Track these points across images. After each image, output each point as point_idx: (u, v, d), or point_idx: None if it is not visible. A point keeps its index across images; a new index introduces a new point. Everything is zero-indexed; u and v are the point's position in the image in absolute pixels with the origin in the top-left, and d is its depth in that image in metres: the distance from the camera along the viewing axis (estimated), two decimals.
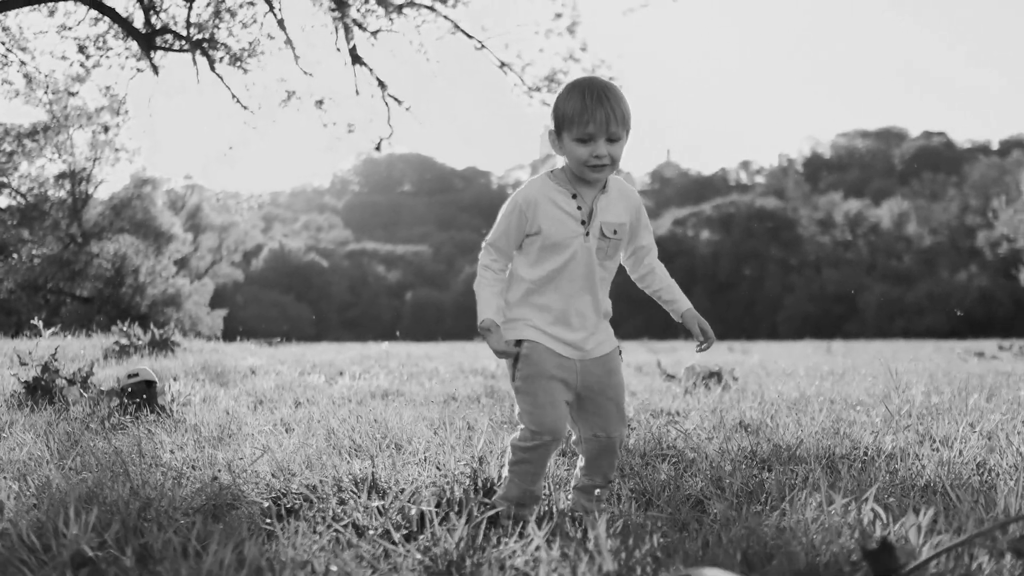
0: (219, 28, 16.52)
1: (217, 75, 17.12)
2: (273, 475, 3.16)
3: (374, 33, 16.40)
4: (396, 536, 2.32)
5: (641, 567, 1.95)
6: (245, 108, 17.37)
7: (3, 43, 17.42)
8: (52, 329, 8.76)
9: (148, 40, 16.73)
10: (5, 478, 3.07)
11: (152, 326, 11.78)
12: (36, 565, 2.09)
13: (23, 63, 18.32)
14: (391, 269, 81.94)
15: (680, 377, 7.17)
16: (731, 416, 4.66)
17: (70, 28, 17.04)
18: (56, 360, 6.17)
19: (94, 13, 16.70)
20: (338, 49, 16.69)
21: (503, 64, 16.57)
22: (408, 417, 4.82)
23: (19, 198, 33.56)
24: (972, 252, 65.79)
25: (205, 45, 16.63)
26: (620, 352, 3.01)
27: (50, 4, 16.46)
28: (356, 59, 16.92)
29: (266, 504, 2.80)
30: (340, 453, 3.49)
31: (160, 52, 17.13)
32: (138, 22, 16.63)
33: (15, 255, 32.50)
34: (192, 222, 45.59)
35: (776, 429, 4.25)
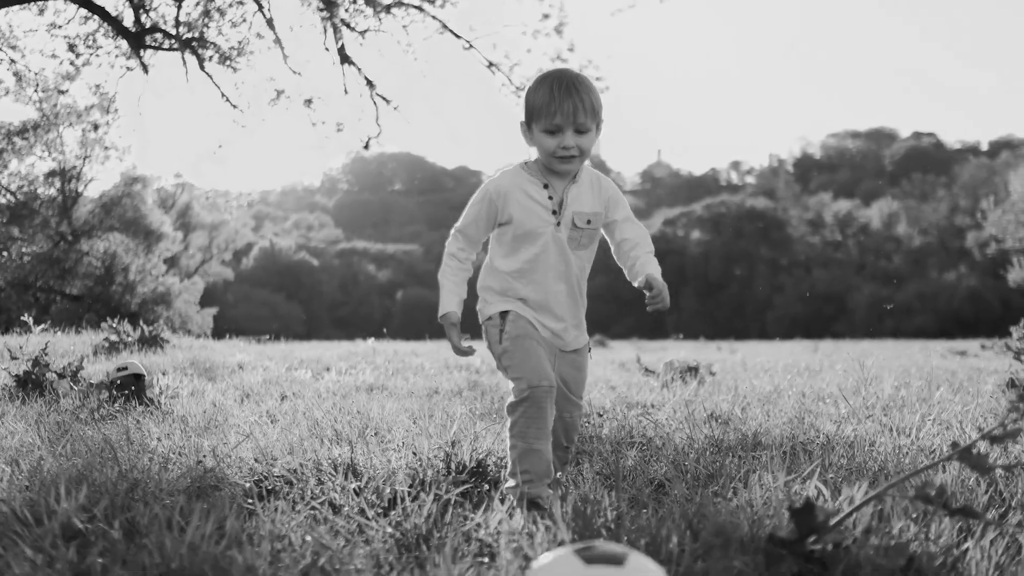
0: (208, 27, 16.62)
1: (207, 74, 17.21)
2: (256, 460, 3.29)
3: (362, 33, 16.51)
4: (370, 513, 2.45)
5: (595, 537, 2.09)
6: (235, 107, 17.47)
7: None
8: (42, 326, 8.86)
9: (138, 39, 16.81)
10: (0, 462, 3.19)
11: (142, 323, 11.88)
12: (29, 537, 2.21)
13: (13, 61, 18.40)
14: (381, 268, 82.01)
15: (659, 372, 7.32)
16: (703, 408, 4.80)
17: (60, 27, 17.11)
18: (47, 355, 6.28)
19: (84, 12, 16.78)
20: (327, 49, 16.80)
21: (491, 64, 16.70)
22: (390, 409, 4.95)
23: (9, 196, 33.52)
24: (961, 252, 66.20)
25: (195, 44, 16.72)
26: (589, 349, 3.08)
27: (40, 3, 16.53)
28: (345, 58, 17.04)
29: (248, 486, 2.93)
30: (322, 441, 3.62)
31: (150, 51, 17.22)
32: (128, 21, 16.72)
33: (5, 253, 32.47)
34: (182, 221, 45.57)
35: (745, 420, 4.40)
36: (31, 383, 6.06)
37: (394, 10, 16.38)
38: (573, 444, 3.07)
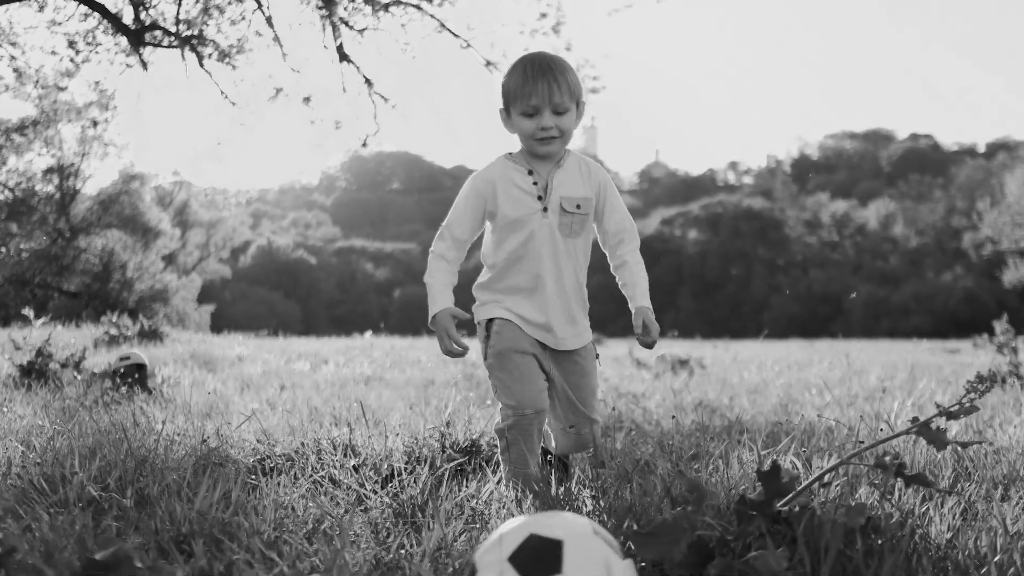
0: (207, 24, 16.73)
1: (206, 71, 17.32)
2: (258, 440, 3.42)
3: (361, 31, 16.62)
4: (368, 486, 2.58)
5: (580, 500, 2.23)
6: (234, 104, 17.57)
7: None
8: (42, 319, 8.98)
9: (137, 36, 16.91)
10: (12, 440, 3.32)
11: (141, 317, 12.03)
12: (46, 504, 2.34)
13: (13, 58, 18.49)
14: (379, 266, 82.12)
15: (651, 365, 7.46)
16: (691, 397, 4.94)
17: (60, 24, 17.21)
18: (50, 345, 6.41)
19: (84, 8, 16.87)
20: (325, 47, 16.91)
21: (488, 63, 16.82)
22: (387, 398, 5.08)
23: (7, 192, 33.59)
24: (957, 253, 66.43)
25: (194, 41, 16.83)
26: (597, 356, 2.96)
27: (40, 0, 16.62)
28: (343, 57, 17.15)
29: (251, 463, 3.06)
30: (321, 424, 3.75)
31: (149, 48, 17.32)
32: (127, 18, 16.82)
33: (3, 249, 32.55)
34: (180, 218, 45.63)
35: (732, 408, 4.53)
36: (35, 373, 6.19)
37: (392, 8, 16.49)
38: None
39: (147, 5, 16.61)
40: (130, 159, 36.45)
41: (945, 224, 73.19)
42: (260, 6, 16.34)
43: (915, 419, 1.98)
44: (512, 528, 1.61)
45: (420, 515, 2.35)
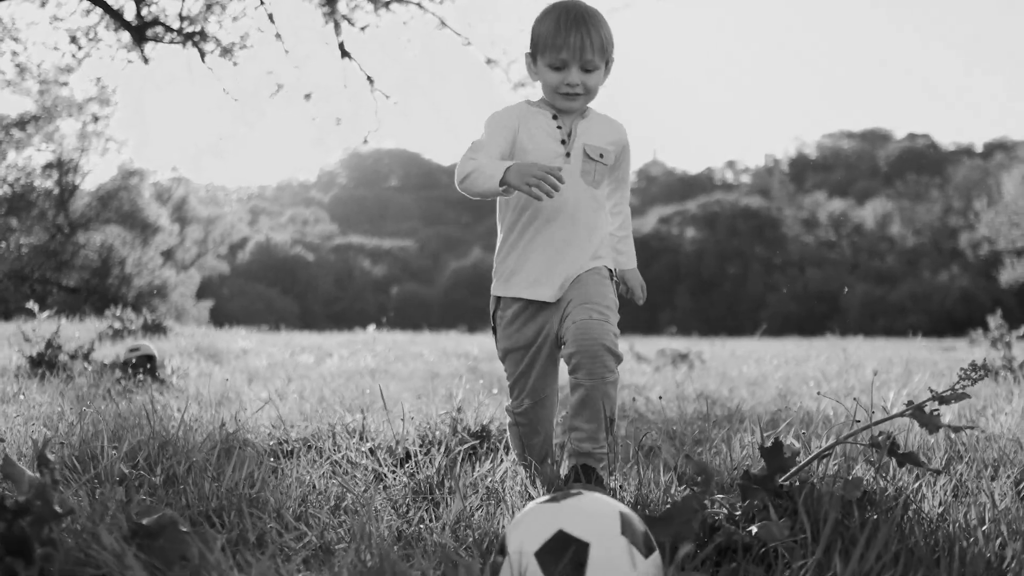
0: (209, 21, 16.82)
1: (208, 68, 17.41)
2: (273, 426, 3.53)
3: (363, 28, 16.73)
4: (385, 466, 2.70)
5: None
6: (236, 100, 17.67)
7: None
8: (47, 312, 9.08)
9: (139, 32, 17.00)
10: (34, 425, 3.43)
11: (145, 310, 12.16)
12: (78, 481, 2.45)
13: (15, 53, 18.56)
14: (377, 263, 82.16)
15: (652, 359, 7.58)
16: (692, 389, 5.05)
17: (62, 19, 17.28)
18: (59, 337, 6.52)
19: (86, 4, 16.96)
20: (327, 44, 17.02)
21: (489, 60, 16.93)
22: (394, 389, 5.19)
23: (5, 187, 33.64)
24: (954, 253, 66.56)
25: (196, 38, 16.92)
26: (612, 274, 2.79)
27: None
28: (345, 54, 17.25)
29: (270, 446, 3.17)
30: (335, 410, 3.86)
31: (151, 44, 17.41)
32: (129, 14, 16.91)
33: (3, 244, 32.61)
34: (178, 214, 45.68)
35: (732, 399, 4.65)
36: (44, 364, 6.29)
37: (393, 6, 16.60)
38: (603, 438, 2.58)
39: (148, 1, 16.71)
40: (129, 155, 36.49)
41: (942, 224, 73.31)
42: (262, 2, 16.46)
43: (910, 402, 2.10)
44: (541, 518, 1.65)
45: (437, 492, 2.47)
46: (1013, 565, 1.77)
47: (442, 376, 6.58)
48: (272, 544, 1.96)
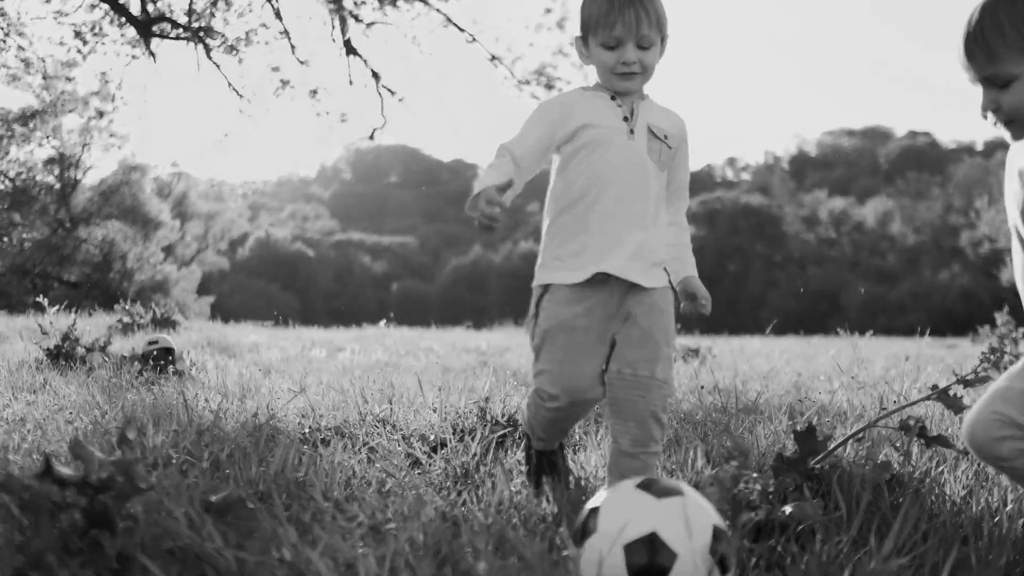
0: (215, 16, 16.90)
1: (214, 63, 17.48)
2: (303, 416, 3.62)
3: (369, 25, 16.80)
4: (421, 452, 2.79)
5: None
6: (241, 97, 17.74)
7: (1, 28, 17.69)
8: (56, 307, 9.15)
9: (145, 27, 17.07)
10: (69, 413, 3.51)
11: (154, 305, 12.26)
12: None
13: (21, 48, 18.62)
14: (377, 260, 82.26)
15: None
16: (706, 382, 5.14)
17: (67, 15, 17.34)
18: (76, 330, 6.61)
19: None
20: (333, 40, 17.09)
21: (494, 57, 17.01)
22: (410, 382, 5.27)
23: (8, 182, 33.70)
24: (955, 251, 66.68)
25: (202, 33, 16.99)
26: (674, 289, 2.61)
27: None
28: (351, 50, 17.33)
29: (304, 434, 3.26)
30: (365, 400, 3.95)
31: (155, 39, 17.48)
32: (134, 9, 16.97)
33: (6, 238, 32.68)
34: (178, 209, 45.75)
35: (746, 392, 4.73)
36: (62, 356, 6.37)
37: (399, 3, 16.67)
38: (653, 447, 2.39)
39: None
40: (131, 150, 36.55)
41: (943, 222, 73.40)
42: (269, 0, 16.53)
43: (934, 387, 2.18)
44: (639, 511, 1.65)
45: (475, 476, 2.56)
46: None
47: (455, 370, 6.66)
48: (330, 523, 2.05)
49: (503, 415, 3.40)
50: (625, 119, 2.51)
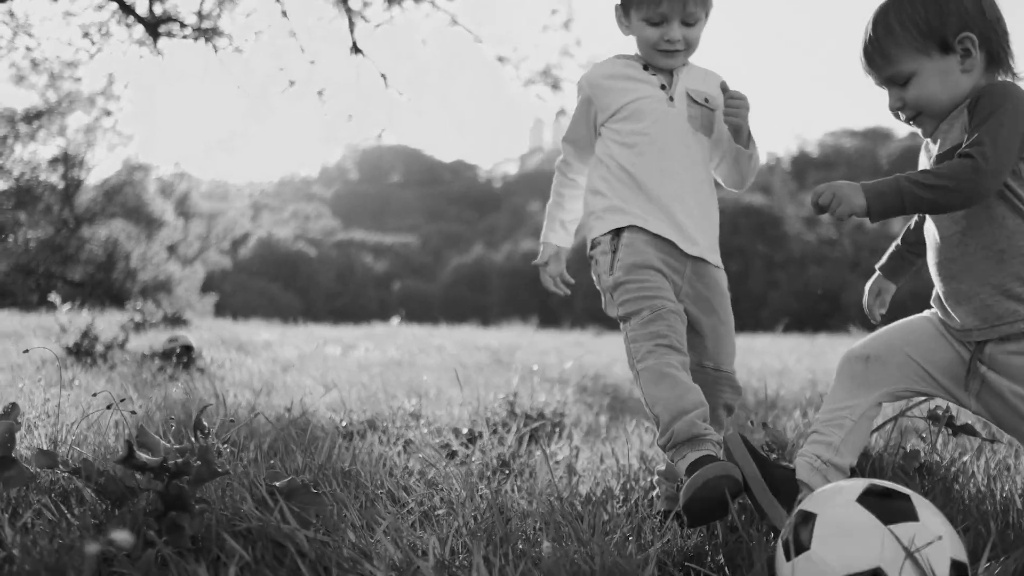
0: (221, 16, 16.97)
1: (221, 62, 17.55)
2: (333, 410, 3.71)
3: (377, 26, 16.87)
4: (457, 444, 2.88)
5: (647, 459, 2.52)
6: (248, 96, 17.83)
7: (9, 27, 17.77)
8: (68, 305, 9.24)
9: (152, 28, 17.15)
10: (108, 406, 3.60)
11: (164, 303, 12.39)
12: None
13: (29, 48, 18.70)
14: (379, 259, 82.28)
15: None
16: None
17: (75, 15, 17.42)
18: (95, 327, 6.70)
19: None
20: (340, 40, 17.16)
21: (500, 58, 17.08)
22: (428, 378, 5.37)
23: (12, 182, 33.77)
24: None
25: (208, 33, 17.06)
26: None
27: None
28: (357, 50, 17.40)
29: (336, 428, 3.35)
30: (395, 395, 4.04)
31: (163, 39, 17.55)
32: (141, 9, 17.04)
33: (10, 238, 32.76)
34: (181, 209, 45.79)
35: (762, 388, 4.83)
36: (81, 353, 6.46)
37: (406, 2, 16.74)
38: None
39: None
40: (134, 150, 36.69)
41: None
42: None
43: None
44: (865, 536, 1.48)
45: (513, 465, 2.65)
46: None
47: (469, 367, 6.75)
48: (383, 509, 2.14)
49: (532, 409, 3.49)
50: (663, 87, 2.44)
